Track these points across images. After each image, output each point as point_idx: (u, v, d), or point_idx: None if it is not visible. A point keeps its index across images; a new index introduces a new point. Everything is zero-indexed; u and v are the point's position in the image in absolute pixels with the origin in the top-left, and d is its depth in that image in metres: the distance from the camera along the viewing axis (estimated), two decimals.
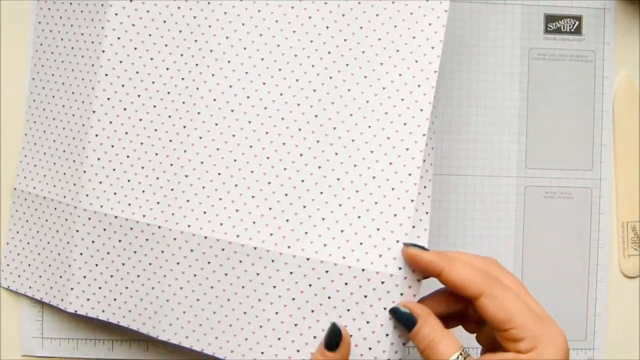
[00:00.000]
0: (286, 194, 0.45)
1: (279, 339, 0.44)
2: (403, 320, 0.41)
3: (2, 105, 0.53)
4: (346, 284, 0.43)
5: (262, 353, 0.44)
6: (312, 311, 0.43)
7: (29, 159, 0.51)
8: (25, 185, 0.51)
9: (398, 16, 0.45)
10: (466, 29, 0.53)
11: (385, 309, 0.42)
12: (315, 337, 0.43)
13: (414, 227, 0.43)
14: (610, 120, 0.54)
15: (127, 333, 0.51)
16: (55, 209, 0.49)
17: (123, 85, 0.47)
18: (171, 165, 0.46)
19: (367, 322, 0.43)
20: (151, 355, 0.52)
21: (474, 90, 0.53)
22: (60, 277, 0.49)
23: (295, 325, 0.44)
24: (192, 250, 0.45)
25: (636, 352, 0.54)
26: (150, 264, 0.46)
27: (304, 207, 0.44)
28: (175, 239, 0.46)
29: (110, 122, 0.47)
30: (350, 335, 0.43)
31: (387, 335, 0.42)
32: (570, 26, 0.53)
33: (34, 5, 0.52)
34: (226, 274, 0.45)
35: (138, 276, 0.47)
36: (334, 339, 0.42)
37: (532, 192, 0.53)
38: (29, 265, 0.51)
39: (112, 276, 0.47)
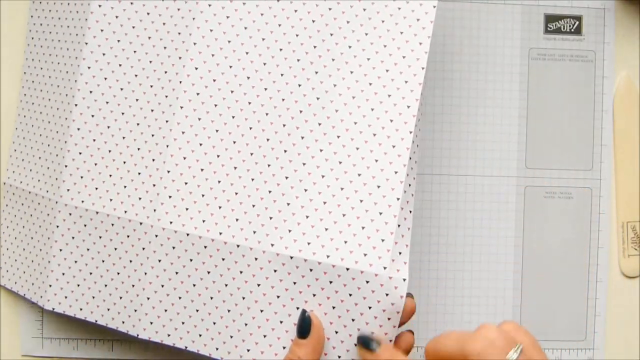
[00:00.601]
0: (270, 191, 0.44)
1: (264, 336, 0.44)
2: (365, 343, 0.42)
3: (1, 103, 0.53)
4: (330, 282, 0.42)
5: (248, 351, 0.44)
6: (297, 308, 0.43)
7: (18, 153, 0.51)
8: (13, 180, 0.51)
9: (386, 11, 0.44)
10: (466, 29, 0.53)
11: (370, 307, 0.42)
12: None
13: (399, 225, 0.43)
14: (610, 120, 0.54)
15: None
16: (39, 203, 0.49)
17: (105, 79, 0.47)
18: (153, 160, 0.46)
19: (353, 320, 0.42)
20: (151, 355, 0.52)
21: (474, 90, 0.53)
22: (41, 273, 0.48)
23: (281, 322, 0.43)
24: (174, 248, 0.45)
25: (636, 352, 0.54)
26: (130, 261, 0.46)
27: (288, 204, 0.44)
28: (156, 235, 0.45)
29: (92, 116, 0.47)
30: (336, 332, 0.43)
31: (372, 333, 0.42)
32: (570, 26, 0.53)
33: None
34: (209, 272, 0.44)
35: (118, 273, 0.46)
36: (305, 325, 0.42)
37: (532, 192, 0.53)
38: (15, 260, 0.51)
39: (91, 273, 0.47)
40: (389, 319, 0.42)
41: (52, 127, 0.49)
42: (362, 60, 0.44)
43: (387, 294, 0.42)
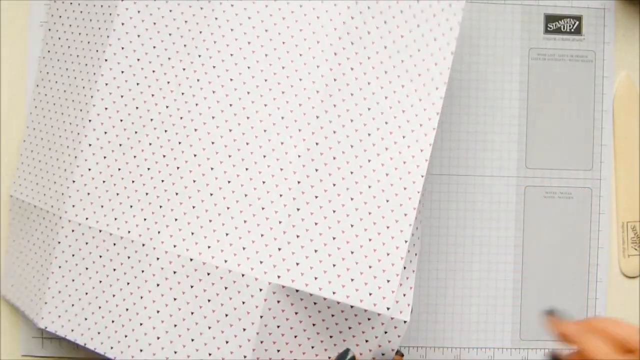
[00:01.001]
0: (280, 222, 0.42)
1: None
2: None
3: (2, 111, 0.53)
4: (332, 315, 0.42)
5: None
6: (295, 337, 0.43)
7: (25, 166, 0.50)
8: (19, 193, 0.50)
9: (410, 11, 0.44)
10: (466, 28, 0.53)
11: (367, 341, 0.42)
12: None
13: (405, 268, 0.42)
14: (610, 120, 0.54)
15: None
16: (44, 218, 0.48)
17: (122, 96, 0.46)
18: (162, 181, 0.44)
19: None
20: None
21: (474, 90, 0.53)
22: (39, 289, 0.47)
23: (278, 351, 0.43)
24: (175, 272, 0.43)
25: None
26: (128, 283, 0.44)
27: (297, 236, 0.42)
28: (158, 258, 0.43)
29: (105, 133, 0.46)
30: (329, 358, 0.43)
31: None
32: (570, 26, 0.53)
33: (35, 7, 0.52)
34: (209, 300, 0.43)
35: (114, 295, 0.44)
36: None
37: (532, 192, 0.53)
38: (20, 275, 0.49)
39: (87, 293, 0.45)
40: (383, 354, 0.42)
41: (62, 142, 0.48)
42: (386, 65, 0.43)
43: (385, 332, 0.42)
